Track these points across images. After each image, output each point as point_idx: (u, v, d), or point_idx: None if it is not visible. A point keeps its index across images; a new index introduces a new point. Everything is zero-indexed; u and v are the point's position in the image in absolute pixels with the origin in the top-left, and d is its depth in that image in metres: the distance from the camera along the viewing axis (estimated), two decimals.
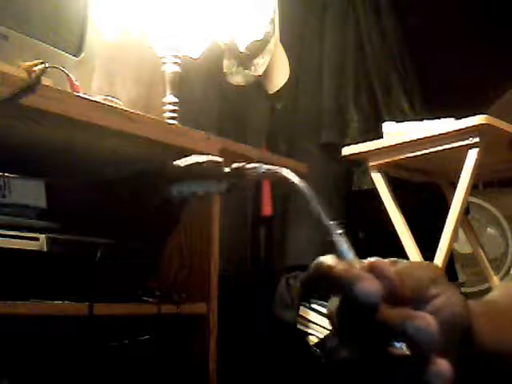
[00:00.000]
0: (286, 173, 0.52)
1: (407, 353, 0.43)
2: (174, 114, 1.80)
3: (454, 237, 1.95)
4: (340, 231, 0.47)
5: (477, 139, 1.88)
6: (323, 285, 0.45)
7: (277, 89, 2.26)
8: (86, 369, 1.46)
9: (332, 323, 0.45)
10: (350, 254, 0.46)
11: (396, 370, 0.43)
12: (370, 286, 0.42)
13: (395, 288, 0.44)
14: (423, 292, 0.47)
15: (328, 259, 0.45)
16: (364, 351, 0.43)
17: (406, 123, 2.10)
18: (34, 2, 1.45)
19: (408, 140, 2.01)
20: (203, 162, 0.54)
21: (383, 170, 2.09)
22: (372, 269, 0.44)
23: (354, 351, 0.44)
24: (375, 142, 2.09)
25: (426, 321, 0.43)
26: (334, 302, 0.45)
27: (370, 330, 0.43)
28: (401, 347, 0.43)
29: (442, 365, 0.42)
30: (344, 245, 0.47)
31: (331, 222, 0.48)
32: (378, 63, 2.57)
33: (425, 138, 1.97)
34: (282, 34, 2.22)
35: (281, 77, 2.24)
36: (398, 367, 0.43)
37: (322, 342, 2.01)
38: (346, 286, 0.42)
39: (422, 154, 2.00)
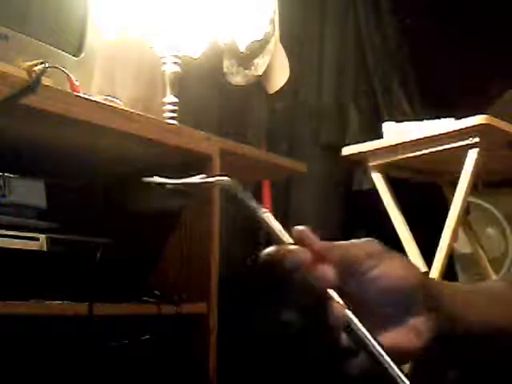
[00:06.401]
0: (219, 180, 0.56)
1: None
2: (174, 114, 1.80)
3: (454, 237, 1.95)
4: (266, 211, 0.53)
5: (477, 139, 1.88)
6: (269, 270, 0.52)
7: (277, 89, 2.26)
8: (85, 369, 1.46)
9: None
10: (279, 228, 0.53)
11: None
12: (293, 256, 0.50)
13: (318, 251, 0.51)
14: (357, 266, 0.52)
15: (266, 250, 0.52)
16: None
17: (405, 123, 2.10)
18: (34, 2, 1.45)
19: (408, 140, 2.01)
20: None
21: (383, 170, 2.10)
22: (298, 238, 0.52)
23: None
24: (375, 141, 2.09)
25: (321, 270, 0.50)
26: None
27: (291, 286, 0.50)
28: None
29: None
30: (272, 221, 0.53)
31: (257, 206, 0.54)
32: (377, 63, 2.57)
33: (425, 137, 1.97)
34: (282, 34, 2.22)
35: (281, 77, 2.24)
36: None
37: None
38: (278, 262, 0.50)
39: (421, 154, 2.00)
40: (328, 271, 0.50)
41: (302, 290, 0.50)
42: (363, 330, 0.50)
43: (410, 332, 0.53)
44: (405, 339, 0.53)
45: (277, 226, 0.53)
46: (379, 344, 0.50)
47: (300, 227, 0.52)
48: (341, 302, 0.50)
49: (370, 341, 0.50)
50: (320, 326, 0.50)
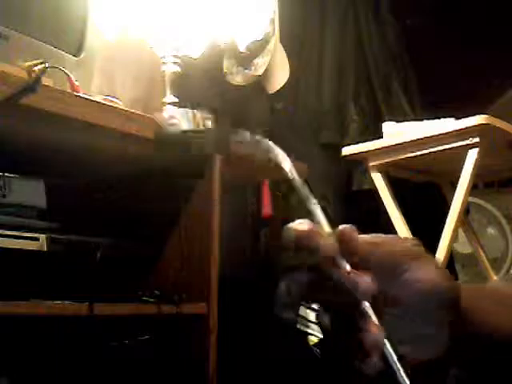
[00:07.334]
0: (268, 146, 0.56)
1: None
2: None
3: (454, 237, 1.95)
4: (316, 201, 0.55)
5: (477, 139, 1.88)
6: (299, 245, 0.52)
7: (277, 89, 2.26)
8: (86, 369, 1.46)
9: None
10: (324, 221, 0.54)
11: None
12: (328, 246, 0.50)
13: (359, 251, 0.51)
14: (395, 267, 0.52)
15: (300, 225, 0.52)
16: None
17: (405, 123, 2.10)
18: (34, 2, 1.46)
19: (408, 140, 2.01)
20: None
21: (383, 169, 2.09)
22: (341, 235, 0.52)
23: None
24: (375, 142, 2.09)
25: (358, 278, 0.49)
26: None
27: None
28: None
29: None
30: (319, 213, 0.54)
31: (310, 195, 0.55)
32: (377, 63, 2.57)
33: (425, 138, 1.97)
34: (282, 34, 2.22)
35: (281, 77, 2.24)
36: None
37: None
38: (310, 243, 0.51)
39: (421, 154, 2.00)
40: (365, 280, 0.49)
41: (323, 285, 0.51)
42: (394, 357, 0.49)
43: (431, 337, 0.52)
44: (425, 347, 0.52)
45: (319, 214, 0.54)
46: (405, 372, 0.49)
47: (346, 225, 0.53)
48: (375, 319, 0.49)
49: (399, 370, 0.49)
50: (353, 348, 0.49)
